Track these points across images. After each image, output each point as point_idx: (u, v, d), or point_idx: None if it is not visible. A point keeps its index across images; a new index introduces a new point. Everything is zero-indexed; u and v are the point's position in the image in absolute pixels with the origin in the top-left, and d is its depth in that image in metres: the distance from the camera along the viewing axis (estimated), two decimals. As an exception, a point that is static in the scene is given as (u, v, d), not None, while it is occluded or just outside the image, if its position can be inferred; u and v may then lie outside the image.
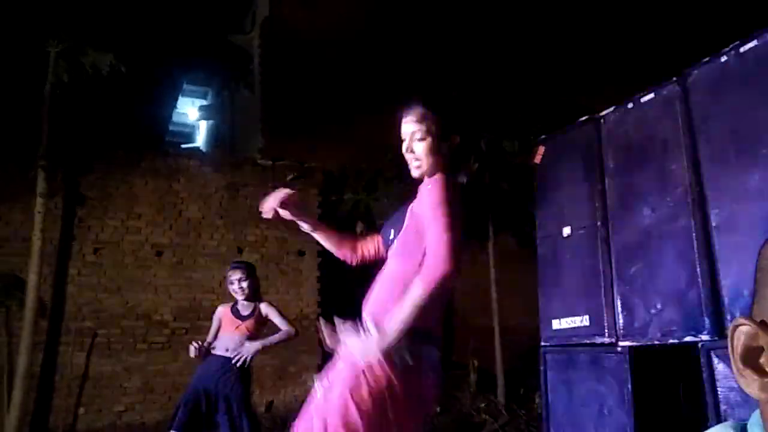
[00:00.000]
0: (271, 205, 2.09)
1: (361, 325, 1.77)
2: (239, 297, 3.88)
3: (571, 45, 7.97)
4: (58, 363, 6.00)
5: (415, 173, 1.95)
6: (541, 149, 3.52)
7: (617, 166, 3.00)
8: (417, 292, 1.68)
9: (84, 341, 6.10)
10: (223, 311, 3.94)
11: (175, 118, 12.05)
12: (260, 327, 3.91)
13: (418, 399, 1.81)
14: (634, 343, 2.72)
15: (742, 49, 2.45)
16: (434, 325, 1.85)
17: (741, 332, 0.63)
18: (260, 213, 2.13)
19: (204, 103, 11.73)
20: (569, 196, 3.27)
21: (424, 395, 1.84)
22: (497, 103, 7.12)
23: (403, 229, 1.91)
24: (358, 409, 1.68)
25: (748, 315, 0.65)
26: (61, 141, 6.14)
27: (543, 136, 3.59)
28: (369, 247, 2.17)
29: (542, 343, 3.28)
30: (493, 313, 6.94)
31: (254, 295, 3.93)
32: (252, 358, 3.74)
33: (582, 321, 3.02)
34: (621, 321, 2.81)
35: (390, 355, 1.70)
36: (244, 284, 3.86)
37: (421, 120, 1.94)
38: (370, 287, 1.95)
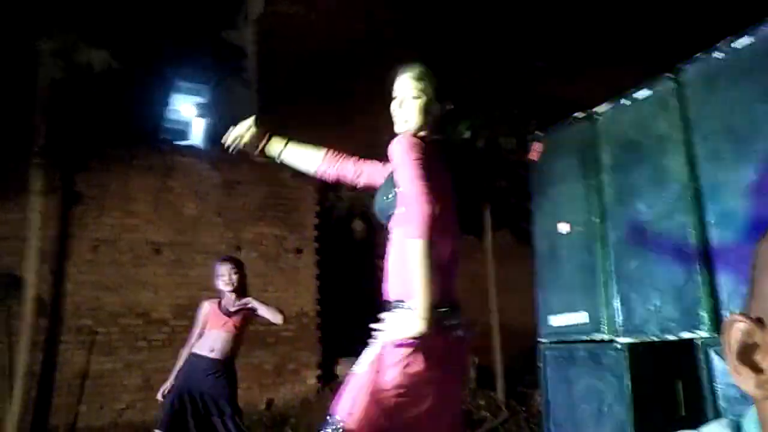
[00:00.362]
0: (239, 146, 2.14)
1: (392, 310, 1.79)
2: (227, 289, 3.83)
3: (566, 41, 7.97)
4: (58, 361, 6.00)
5: (399, 129, 1.96)
6: (538, 146, 3.52)
7: (613, 162, 3.01)
8: (415, 249, 1.67)
9: (83, 339, 6.10)
10: (209, 307, 3.88)
11: (169, 114, 12.02)
12: (247, 324, 3.89)
13: (448, 362, 1.81)
14: (633, 340, 2.73)
15: (736, 45, 2.45)
16: (452, 291, 1.85)
17: (736, 329, 0.63)
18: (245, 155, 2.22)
19: (199, 99, 11.69)
20: (566, 192, 3.27)
21: (454, 357, 1.84)
22: (494, 99, 7.11)
23: (398, 198, 1.88)
24: (385, 383, 1.70)
25: (745, 312, 0.65)
26: (57, 139, 6.12)
27: (539, 133, 3.59)
28: (347, 170, 2.17)
29: (541, 340, 3.29)
30: (491, 309, 6.96)
31: (242, 290, 3.89)
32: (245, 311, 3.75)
33: (580, 317, 3.03)
34: (619, 317, 2.82)
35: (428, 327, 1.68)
36: (235, 277, 3.83)
37: (417, 78, 1.95)
38: (384, 269, 1.93)
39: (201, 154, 7.57)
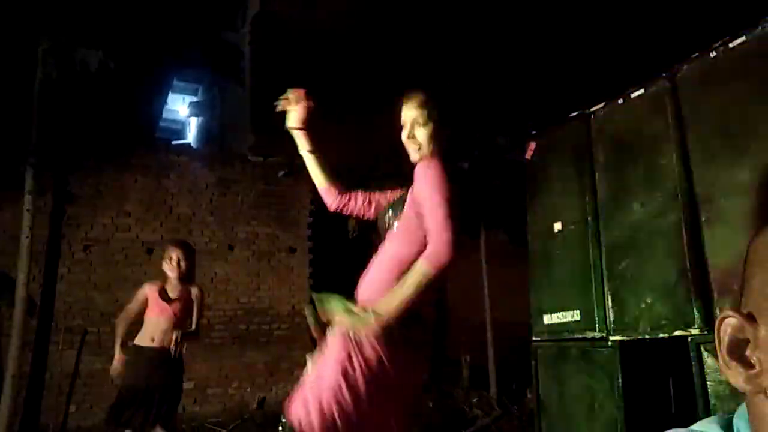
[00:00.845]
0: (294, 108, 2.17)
1: (351, 302, 1.81)
2: (173, 275, 3.68)
3: (561, 41, 7.99)
4: (48, 361, 5.96)
5: (415, 157, 1.97)
6: (533, 145, 3.52)
7: (607, 161, 3.02)
8: (421, 273, 1.70)
9: (74, 339, 6.06)
10: (149, 291, 3.70)
11: (165, 114, 11.98)
12: (187, 312, 3.69)
13: (408, 379, 1.85)
14: (625, 338, 2.74)
15: (731, 45, 2.46)
16: (423, 308, 1.86)
17: (728, 324, 0.63)
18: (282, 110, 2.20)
19: (194, 99, 11.67)
20: (560, 191, 3.28)
21: (414, 376, 1.88)
22: (489, 99, 7.13)
23: (403, 212, 1.93)
24: (350, 387, 1.72)
25: (736, 307, 0.65)
26: (51, 138, 6.09)
27: (534, 132, 3.60)
28: (355, 199, 2.20)
29: (533, 338, 3.30)
30: (485, 308, 6.97)
31: (188, 277, 3.73)
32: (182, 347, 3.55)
33: (573, 315, 3.04)
34: (611, 315, 2.83)
35: (381, 334, 1.73)
36: (183, 264, 3.68)
37: (422, 105, 1.97)
38: (366, 270, 1.97)
39: (195, 154, 7.55)
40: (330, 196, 2.22)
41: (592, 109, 3.15)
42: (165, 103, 11.41)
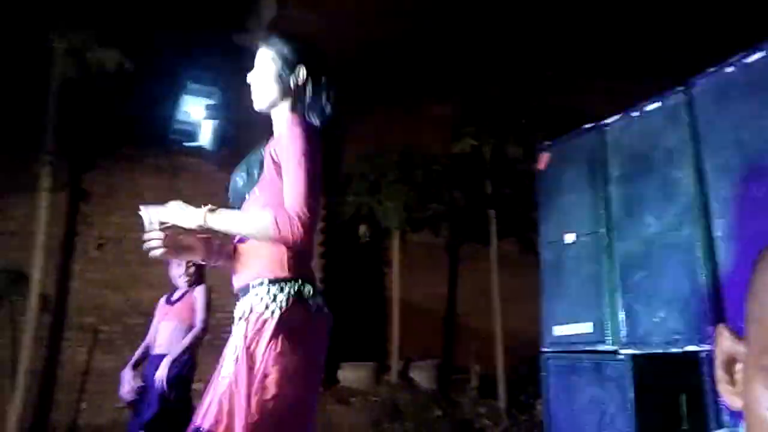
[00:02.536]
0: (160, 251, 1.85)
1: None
2: (184, 286, 3.61)
3: (577, 52, 7.98)
4: (60, 358, 6.01)
5: (255, 105, 1.83)
6: (546, 156, 3.52)
7: (621, 174, 3.01)
8: (261, 227, 1.57)
9: (86, 337, 6.12)
10: (160, 301, 3.69)
11: (179, 116, 12.07)
12: (191, 312, 3.58)
13: (314, 340, 1.71)
14: (637, 351, 2.73)
15: (748, 60, 2.45)
16: (311, 270, 1.74)
17: (723, 339, 0.64)
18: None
19: (209, 101, 11.74)
20: (573, 202, 3.27)
21: (319, 336, 1.74)
22: (502, 108, 7.13)
23: (261, 176, 1.72)
24: (254, 374, 1.55)
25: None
26: (67, 136, 6.17)
27: (547, 143, 3.59)
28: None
29: (544, 349, 3.28)
30: (495, 318, 6.94)
31: (197, 281, 3.66)
32: (173, 384, 3.34)
33: (584, 328, 3.02)
34: (624, 328, 2.81)
35: (283, 311, 1.59)
36: (191, 270, 3.61)
37: (269, 45, 1.82)
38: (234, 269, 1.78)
39: (209, 156, 7.60)
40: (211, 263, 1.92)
41: (607, 121, 3.14)
42: (180, 104, 11.50)
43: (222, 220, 1.68)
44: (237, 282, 1.76)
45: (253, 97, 1.83)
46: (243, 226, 1.67)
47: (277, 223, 1.55)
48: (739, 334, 0.65)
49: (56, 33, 5.93)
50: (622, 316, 2.83)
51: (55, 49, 5.97)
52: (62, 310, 6.11)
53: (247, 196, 1.77)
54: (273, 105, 1.81)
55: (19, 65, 5.95)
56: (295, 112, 1.78)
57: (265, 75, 1.79)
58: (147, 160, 6.75)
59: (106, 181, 6.53)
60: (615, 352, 2.82)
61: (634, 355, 2.73)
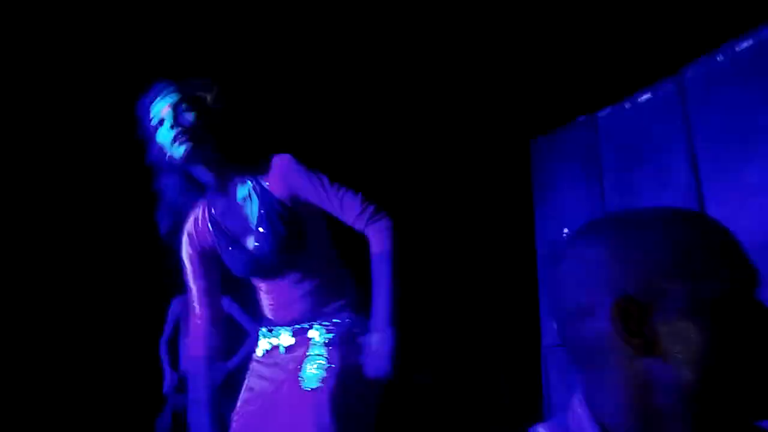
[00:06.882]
0: None
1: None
2: None
3: (567, 42, 7.96)
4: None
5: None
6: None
7: (615, 165, 3.00)
8: (388, 258, 1.54)
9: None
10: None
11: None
12: None
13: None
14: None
15: (738, 47, 2.45)
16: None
17: None
18: None
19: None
20: (567, 195, 3.26)
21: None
22: (493, 100, 7.09)
23: (275, 227, 1.61)
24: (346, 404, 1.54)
25: None
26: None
27: (540, 135, 3.59)
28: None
29: (544, 344, 3.28)
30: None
31: None
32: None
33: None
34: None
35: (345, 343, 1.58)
36: None
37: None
38: (275, 308, 1.72)
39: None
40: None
41: (599, 113, 3.13)
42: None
43: (390, 301, 1.52)
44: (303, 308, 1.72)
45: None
46: (394, 285, 1.54)
47: (387, 227, 1.56)
48: None
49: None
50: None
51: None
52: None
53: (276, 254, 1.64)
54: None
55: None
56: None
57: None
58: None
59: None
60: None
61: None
